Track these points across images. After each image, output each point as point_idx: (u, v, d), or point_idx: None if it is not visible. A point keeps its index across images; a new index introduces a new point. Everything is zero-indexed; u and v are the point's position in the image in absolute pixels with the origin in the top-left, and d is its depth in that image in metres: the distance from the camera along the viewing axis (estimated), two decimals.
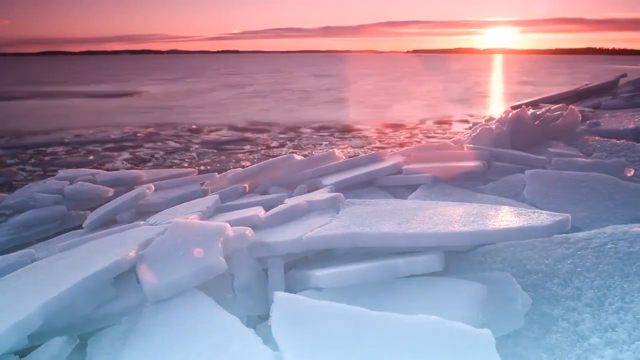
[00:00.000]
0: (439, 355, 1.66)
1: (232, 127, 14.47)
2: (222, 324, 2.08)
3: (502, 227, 2.58)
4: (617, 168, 5.27)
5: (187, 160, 10.20)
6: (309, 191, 4.93)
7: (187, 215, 3.65)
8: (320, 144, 11.80)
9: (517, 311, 2.32)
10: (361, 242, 2.75)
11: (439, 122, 15.21)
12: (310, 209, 3.56)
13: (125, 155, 10.82)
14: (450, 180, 4.98)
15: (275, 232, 3.14)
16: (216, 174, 6.32)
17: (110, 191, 5.74)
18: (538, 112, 7.83)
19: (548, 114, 7.70)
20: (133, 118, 16.39)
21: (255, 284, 2.65)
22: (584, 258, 2.78)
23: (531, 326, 2.34)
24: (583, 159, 5.73)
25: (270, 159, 6.05)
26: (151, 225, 3.81)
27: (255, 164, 5.96)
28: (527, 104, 10.68)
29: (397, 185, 5.12)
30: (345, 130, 13.71)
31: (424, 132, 13.44)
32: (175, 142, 12.35)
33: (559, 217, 2.60)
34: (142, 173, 6.49)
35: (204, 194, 5.54)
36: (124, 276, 2.58)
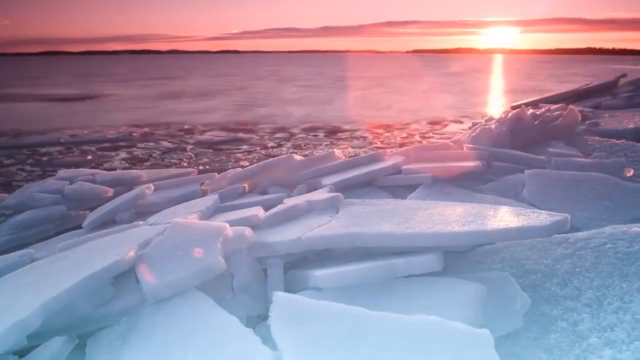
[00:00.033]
0: (438, 355, 1.67)
1: (224, 127, 14.41)
2: (221, 324, 2.08)
3: (501, 227, 2.58)
4: (616, 168, 5.27)
5: (185, 160, 10.19)
6: (308, 191, 4.94)
7: (186, 215, 3.65)
8: (320, 144, 11.79)
9: (516, 311, 2.32)
10: (360, 242, 2.75)
11: (434, 123, 15.18)
12: (310, 209, 3.57)
13: (123, 154, 10.81)
14: (449, 180, 4.98)
15: (274, 232, 3.15)
16: (216, 174, 6.32)
17: (110, 191, 5.74)
18: (538, 112, 7.83)
19: (548, 114, 7.70)
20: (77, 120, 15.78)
21: (254, 284, 2.65)
22: (583, 258, 2.78)
23: (530, 326, 2.34)
24: (583, 159, 5.73)
25: (270, 159, 6.05)
26: (151, 225, 3.81)
27: (255, 164, 5.96)
28: (527, 104, 10.69)
29: (396, 185, 5.12)
30: (337, 131, 13.66)
31: (421, 133, 13.42)
32: (169, 141, 12.37)
33: (558, 217, 2.60)
34: (142, 173, 6.49)
35: (204, 194, 5.54)
36: (124, 276, 2.59)
